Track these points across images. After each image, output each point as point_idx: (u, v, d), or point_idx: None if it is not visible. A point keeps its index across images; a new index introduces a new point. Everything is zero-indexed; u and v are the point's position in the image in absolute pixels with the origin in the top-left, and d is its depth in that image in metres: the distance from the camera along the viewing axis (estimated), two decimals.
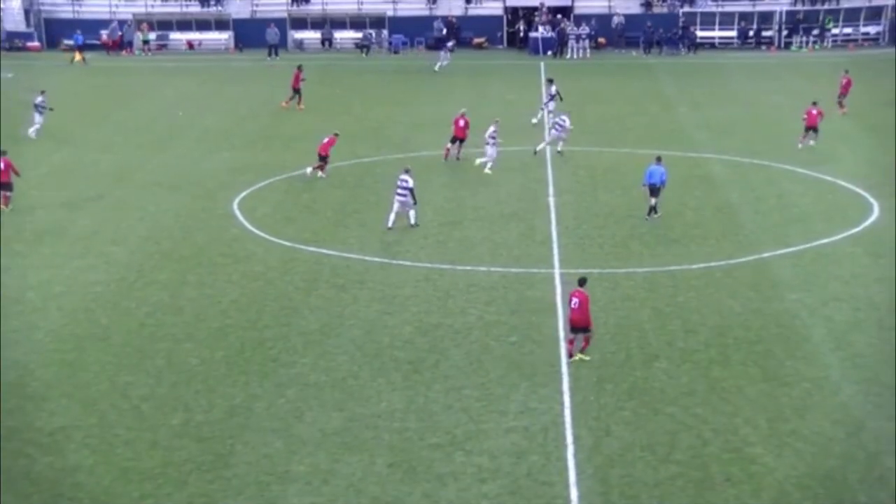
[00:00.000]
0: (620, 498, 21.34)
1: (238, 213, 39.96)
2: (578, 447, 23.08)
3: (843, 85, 57.25)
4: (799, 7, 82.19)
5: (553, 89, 54.76)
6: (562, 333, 28.53)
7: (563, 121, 47.37)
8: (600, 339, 28.17)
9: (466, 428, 23.99)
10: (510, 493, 21.53)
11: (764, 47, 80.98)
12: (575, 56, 78.87)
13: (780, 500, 21.26)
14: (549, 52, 79.12)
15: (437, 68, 73.64)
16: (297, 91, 59.87)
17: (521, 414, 24.55)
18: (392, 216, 37.82)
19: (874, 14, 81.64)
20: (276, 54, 79.17)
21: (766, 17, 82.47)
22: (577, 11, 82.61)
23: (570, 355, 27.12)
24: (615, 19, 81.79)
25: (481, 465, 22.56)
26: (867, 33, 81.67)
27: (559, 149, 47.37)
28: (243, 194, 42.34)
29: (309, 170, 44.72)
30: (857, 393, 25.34)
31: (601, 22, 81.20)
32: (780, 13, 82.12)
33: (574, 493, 21.50)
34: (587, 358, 27.03)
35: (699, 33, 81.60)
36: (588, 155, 47.88)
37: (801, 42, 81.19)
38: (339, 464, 22.60)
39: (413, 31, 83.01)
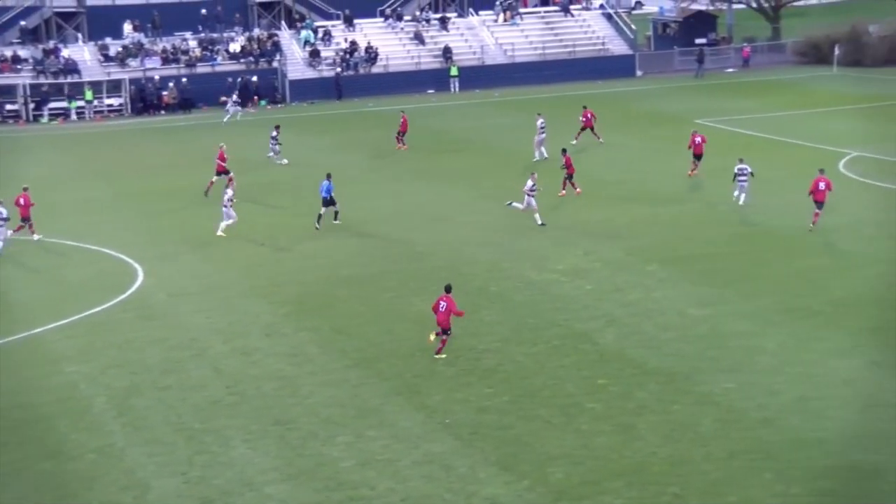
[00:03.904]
0: None
1: None
2: None
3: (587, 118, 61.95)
4: (42, 80, 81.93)
5: (274, 133, 59.68)
6: None
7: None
8: None
9: None
10: None
11: (12, 121, 79.93)
12: None
13: None
14: None
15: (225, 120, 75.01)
16: None
17: None
18: None
19: (115, 87, 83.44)
20: None
21: (9, 91, 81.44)
22: None
23: (439, 351, 30.56)
24: None
25: None
26: (112, 105, 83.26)
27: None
28: None
29: (10, 232, 43.98)
30: (142, 455, 25.92)
31: None
32: (25, 86, 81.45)
33: None
34: (443, 356, 30.37)
35: None
36: None
37: (51, 114, 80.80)
38: None
39: None
